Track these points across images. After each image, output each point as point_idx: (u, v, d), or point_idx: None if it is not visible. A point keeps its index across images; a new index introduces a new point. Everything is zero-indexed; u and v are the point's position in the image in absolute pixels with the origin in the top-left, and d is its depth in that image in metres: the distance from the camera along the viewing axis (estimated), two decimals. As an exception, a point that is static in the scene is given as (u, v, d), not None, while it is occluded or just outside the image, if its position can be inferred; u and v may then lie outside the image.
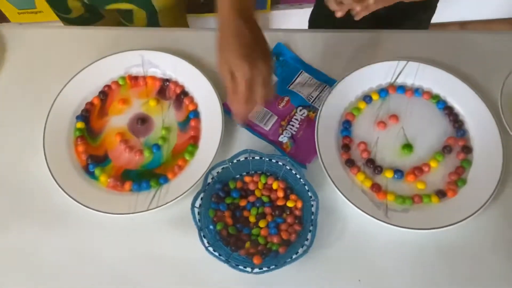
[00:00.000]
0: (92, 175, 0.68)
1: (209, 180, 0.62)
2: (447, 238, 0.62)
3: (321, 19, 1.00)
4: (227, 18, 0.53)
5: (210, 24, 1.56)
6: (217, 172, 0.63)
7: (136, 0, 0.88)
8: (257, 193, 0.64)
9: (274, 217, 0.62)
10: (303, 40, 0.78)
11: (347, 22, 0.68)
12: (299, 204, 0.63)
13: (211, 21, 1.58)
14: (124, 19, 0.95)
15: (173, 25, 0.97)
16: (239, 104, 0.53)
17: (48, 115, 0.70)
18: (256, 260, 0.58)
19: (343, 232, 0.63)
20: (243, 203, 0.64)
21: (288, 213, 0.63)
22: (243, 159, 0.64)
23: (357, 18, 0.61)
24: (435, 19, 0.97)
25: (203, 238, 0.57)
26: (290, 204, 0.63)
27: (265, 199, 0.64)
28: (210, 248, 0.57)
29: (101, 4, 0.92)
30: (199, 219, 0.59)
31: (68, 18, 0.98)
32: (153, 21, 0.92)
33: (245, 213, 0.63)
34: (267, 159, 0.64)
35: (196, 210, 0.59)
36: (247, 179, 0.65)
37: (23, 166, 0.69)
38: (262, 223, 0.62)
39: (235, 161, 0.63)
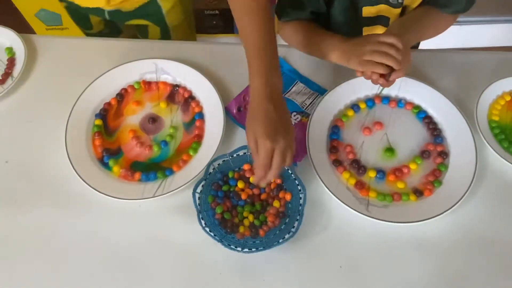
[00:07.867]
0: (106, 165, 0.76)
1: (211, 170, 0.70)
2: (422, 232, 0.68)
3: None
4: (258, 100, 0.63)
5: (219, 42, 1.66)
6: (218, 164, 0.71)
7: (152, 17, 0.98)
8: (252, 179, 0.71)
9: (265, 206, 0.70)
10: (299, 54, 0.87)
11: None
12: (288, 197, 0.70)
13: (220, 40, 1.69)
14: (139, 34, 1.06)
15: (184, 40, 1.07)
16: (259, 169, 0.63)
17: (70, 113, 0.79)
18: (239, 236, 0.65)
19: (328, 224, 0.70)
20: (239, 189, 0.71)
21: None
22: (242, 153, 0.71)
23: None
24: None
25: (201, 220, 0.65)
26: (281, 195, 0.70)
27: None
28: (207, 229, 0.64)
29: (121, 20, 1.02)
30: (199, 204, 0.66)
31: (89, 33, 1.09)
32: (165, 37, 1.02)
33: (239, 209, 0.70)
34: (263, 155, 0.71)
35: (197, 195, 0.67)
36: (245, 167, 0.72)
37: (47, 156, 0.78)
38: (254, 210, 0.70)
39: (235, 155, 0.71)
